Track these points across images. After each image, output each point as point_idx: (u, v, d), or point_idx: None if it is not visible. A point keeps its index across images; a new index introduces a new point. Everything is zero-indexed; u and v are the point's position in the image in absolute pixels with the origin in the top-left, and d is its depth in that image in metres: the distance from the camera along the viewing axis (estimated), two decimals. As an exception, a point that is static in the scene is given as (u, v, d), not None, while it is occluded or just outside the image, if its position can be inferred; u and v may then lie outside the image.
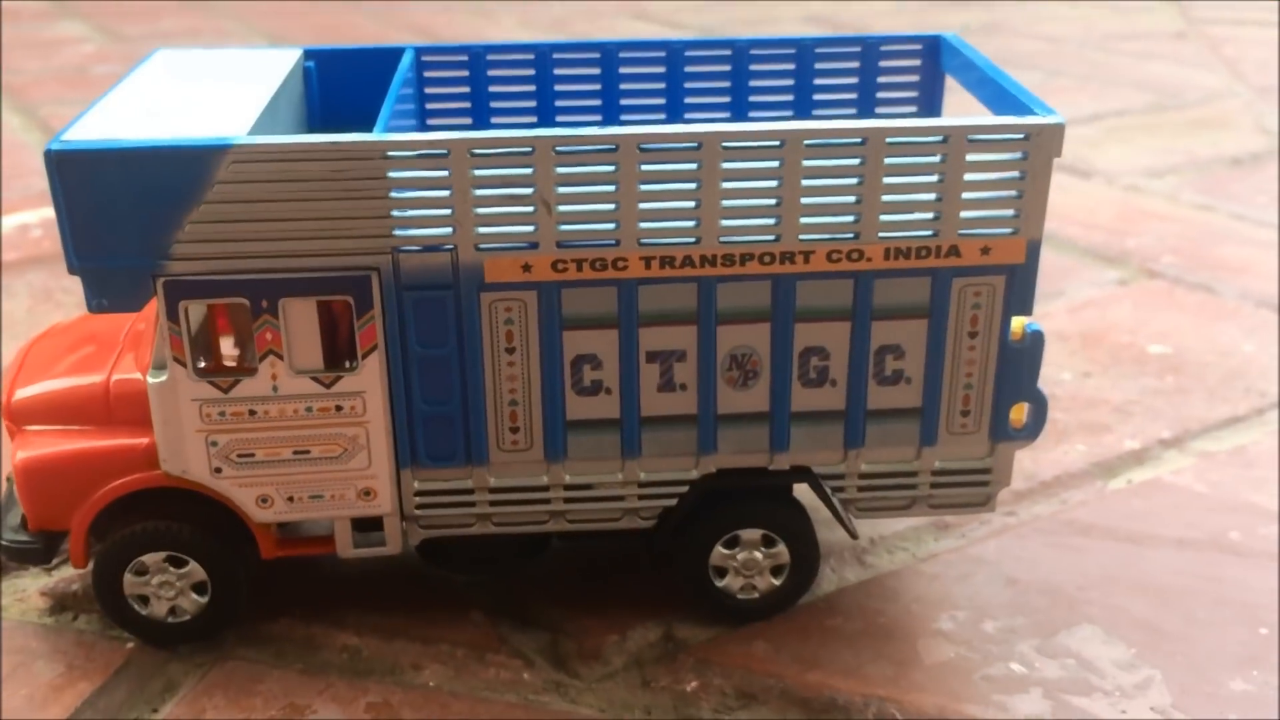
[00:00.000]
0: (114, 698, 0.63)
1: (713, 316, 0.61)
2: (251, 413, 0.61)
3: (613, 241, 0.59)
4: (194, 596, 0.65)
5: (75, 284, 1.13)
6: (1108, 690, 0.64)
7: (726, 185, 0.58)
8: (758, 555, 0.67)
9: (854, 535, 0.67)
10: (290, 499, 0.63)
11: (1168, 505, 0.80)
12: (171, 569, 0.65)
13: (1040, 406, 0.65)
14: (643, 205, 0.59)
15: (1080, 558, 0.74)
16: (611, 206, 0.59)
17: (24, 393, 0.66)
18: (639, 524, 0.66)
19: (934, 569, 0.74)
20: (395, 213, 0.58)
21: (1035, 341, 0.63)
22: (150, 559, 0.65)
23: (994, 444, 0.65)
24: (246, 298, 0.59)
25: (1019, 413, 0.65)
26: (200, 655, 0.67)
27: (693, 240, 0.59)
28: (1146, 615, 0.69)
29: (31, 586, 0.72)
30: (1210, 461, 0.84)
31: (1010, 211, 0.59)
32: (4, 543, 0.66)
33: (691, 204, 0.59)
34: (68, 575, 0.73)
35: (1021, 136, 0.58)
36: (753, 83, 0.77)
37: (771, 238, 0.60)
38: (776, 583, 0.68)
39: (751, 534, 0.67)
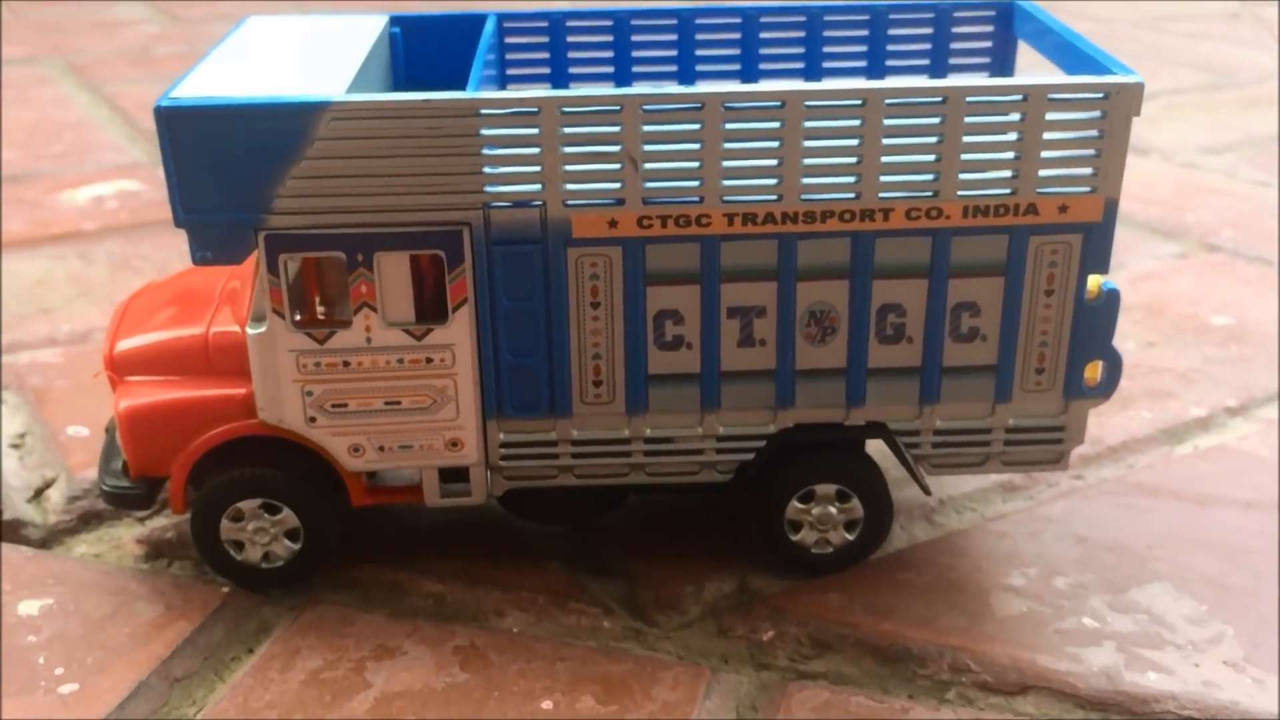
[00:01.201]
0: (212, 636, 0.66)
1: (792, 273, 0.63)
2: (345, 364, 0.63)
3: (697, 199, 0.61)
4: (286, 543, 0.68)
5: (153, 251, 1.16)
6: (1179, 644, 0.65)
7: (808, 144, 0.60)
8: (832, 510, 0.69)
9: (927, 491, 0.69)
10: (381, 448, 0.65)
11: (1234, 469, 0.80)
12: (266, 515, 0.67)
13: (1115, 364, 0.66)
14: (726, 163, 0.60)
15: (1148, 518, 0.75)
16: (696, 164, 0.60)
17: (125, 344, 0.69)
18: (716, 478, 0.68)
19: (1002, 528, 0.75)
20: (487, 169, 0.60)
21: (1111, 300, 0.64)
22: (246, 505, 0.67)
23: (1068, 401, 0.66)
24: (343, 251, 0.61)
25: (1093, 370, 0.66)
26: (292, 599, 0.69)
27: (774, 198, 0.61)
28: (1215, 573, 0.70)
29: (126, 534, 0.74)
30: (1275, 428, 0.85)
31: (1088, 170, 0.60)
32: (106, 488, 0.68)
33: (774, 161, 0.60)
34: (161, 524, 0.75)
35: (1101, 96, 0.59)
36: (827, 49, 0.78)
37: (852, 195, 0.61)
38: (850, 537, 0.70)
39: (826, 489, 0.68)
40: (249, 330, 0.63)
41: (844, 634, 0.67)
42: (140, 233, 1.21)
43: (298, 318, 0.63)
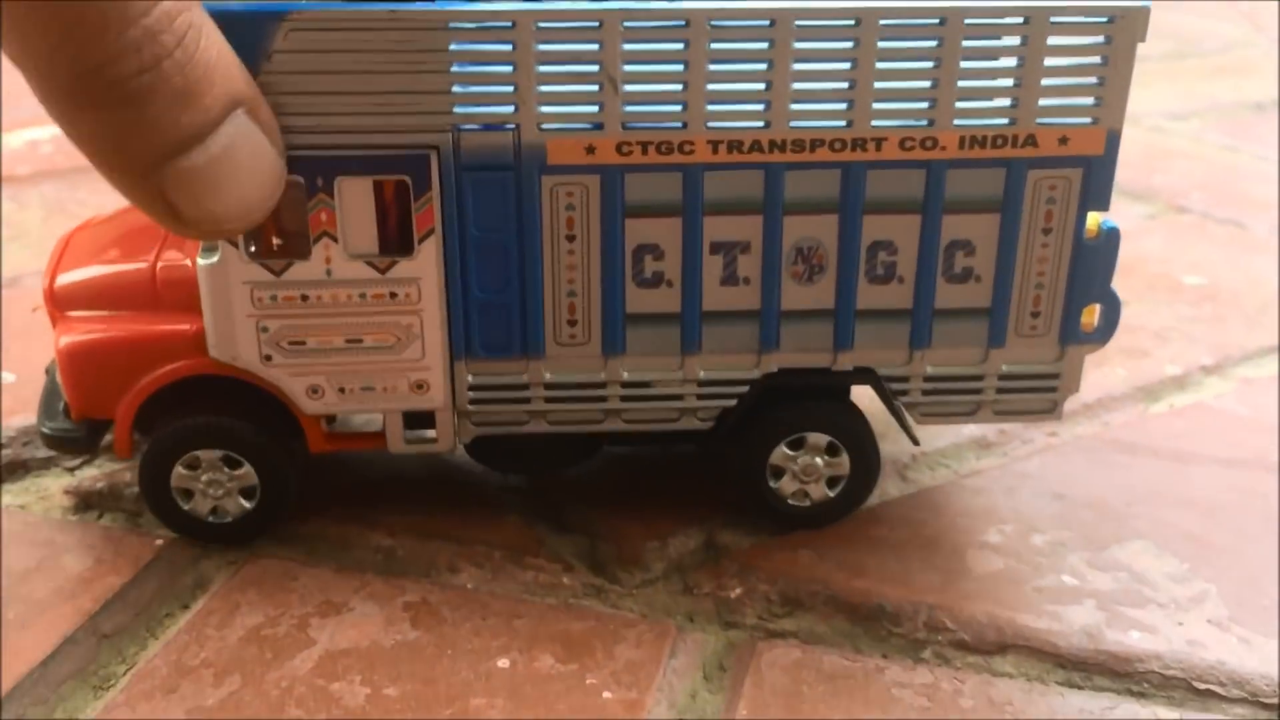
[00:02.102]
0: (144, 591, 0.62)
1: (779, 206, 0.59)
2: (304, 298, 0.59)
3: (680, 124, 0.57)
4: (240, 500, 0.64)
5: (89, 195, 1.11)
6: (1162, 602, 0.63)
7: (798, 66, 0.56)
8: (818, 461, 0.65)
9: (915, 441, 0.66)
10: (341, 390, 0.61)
11: (1211, 427, 0.78)
12: (225, 469, 0.63)
13: (1113, 307, 0.63)
14: (711, 86, 0.56)
15: (1126, 475, 0.73)
16: (679, 87, 0.56)
17: (66, 278, 0.64)
18: (696, 425, 0.64)
19: (978, 484, 0.72)
20: (456, 88, 0.56)
21: (1111, 239, 0.61)
22: (206, 455, 0.62)
23: (1064, 348, 0.63)
24: (302, 175, 0.56)
25: (1090, 315, 0.63)
26: (231, 553, 0.65)
27: (762, 124, 0.57)
28: (1196, 530, 0.68)
29: (54, 485, 0.70)
30: (1251, 386, 0.83)
31: (1090, 100, 0.57)
32: (46, 432, 0.64)
33: (762, 85, 0.57)
34: (91, 474, 0.71)
35: (1105, 20, 0.56)
36: None
37: (843, 123, 0.57)
38: (830, 494, 0.67)
39: (818, 439, 0.65)
40: (200, 261, 0.58)
41: (815, 591, 0.64)
42: (77, 176, 1.15)
43: (252, 248, 0.58)
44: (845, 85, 0.57)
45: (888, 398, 0.64)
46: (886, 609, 0.62)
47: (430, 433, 0.63)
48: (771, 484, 0.66)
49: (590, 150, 0.57)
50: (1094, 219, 0.61)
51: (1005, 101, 0.58)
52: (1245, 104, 1.49)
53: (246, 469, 0.63)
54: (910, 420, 0.65)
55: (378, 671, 0.57)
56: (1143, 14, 0.56)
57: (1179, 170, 1.26)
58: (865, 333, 0.62)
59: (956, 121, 0.58)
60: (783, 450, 0.65)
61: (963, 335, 0.62)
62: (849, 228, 0.60)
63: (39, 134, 1.27)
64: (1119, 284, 1.00)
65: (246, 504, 0.64)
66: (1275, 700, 0.57)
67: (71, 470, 0.71)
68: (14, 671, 0.56)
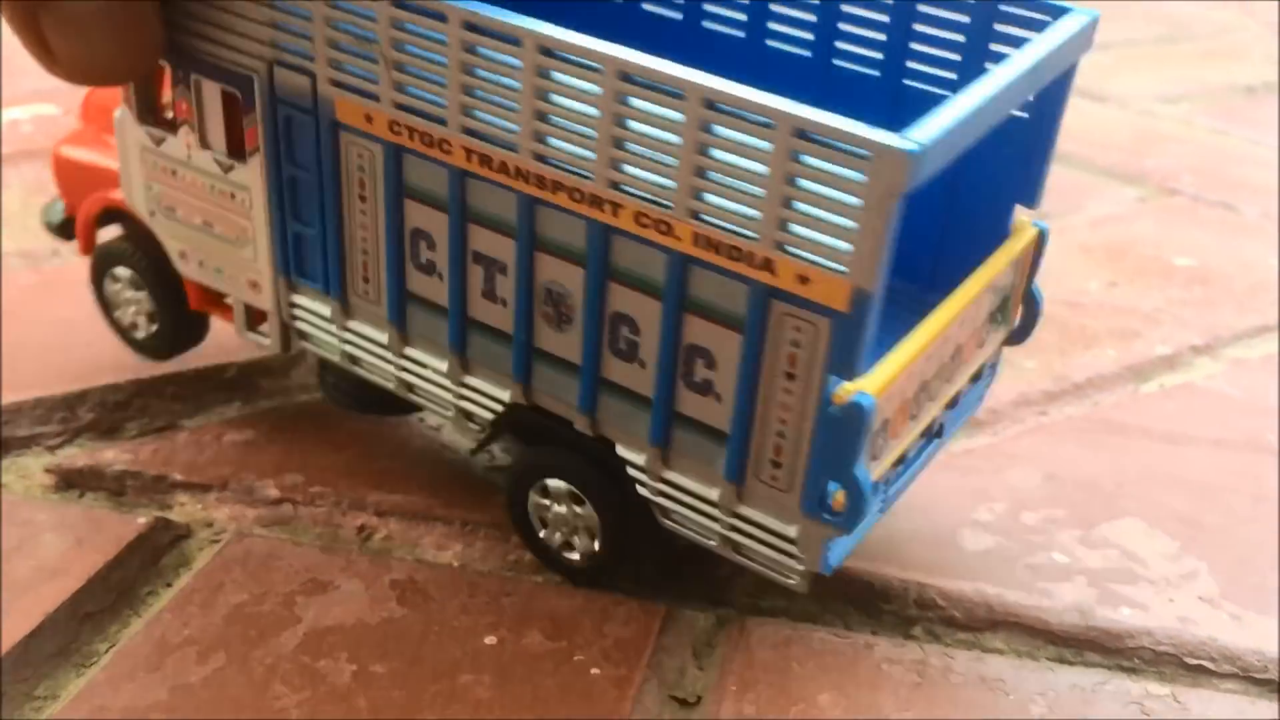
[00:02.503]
0: (127, 571, 0.61)
1: (530, 238, 0.55)
2: (173, 172, 0.65)
3: (441, 119, 0.55)
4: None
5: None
6: (1153, 580, 0.62)
7: (548, 99, 0.51)
8: (563, 510, 0.61)
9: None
10: (200, 263, 0.67)
11: (1202, 408, 0.78)
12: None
13: (857, 496, 0.51)
14: (469, 91, 0.53)
15: (1116, 455, 0.73)
16: (440, 81, 0.54)
17: (100, 95, 0.74)
18: (470, 427, 0.62)
19: (969, 463, 0.72)
20: (278, 24, 0.58)
21: (853, 414, 0.49)
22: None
23: (804, 517, 0.53)
24: (171, 63, 0.62)
25: (840, 495, 0.53)
26: (214, 532, 0.64)
27: (511, 148, 0.53)
28: (1187, 510, 0.68)
29: (35, 464, 0.69)
30: (1242, 368, 0.83)
31: (838, 242, 0.47)
32: (47, 222, 0.77)
33: (514, 105, 0.52)
34: (72, 453, 0.70)
35: (863, 154, 0.45)
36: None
37: (587, 174, 0.52)
38: (595, 547, 0.61)
39: (558, 485, 0.60)
40: (115, 113, 0.66)
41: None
42: (58, 158, 1.14)
43: (138, 112, 0.65)
44: (591, 133, 0.51)
45: (622, 480, 0.58)
46: (876, 586, 0.62)
47: (264, 331, 0.68)
48: (540, 533, 0.62)
49: (369, 119, 0.57)
50: (847, 387, 0.50)
51: (750, 212, 0.49)
52: (1236, 88, 1.49)
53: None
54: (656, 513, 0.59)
55: (364, 649, 0.57)
56: (901, 161, 0.44)
57: (1170, 153, 1.25)
58: (608, 404, 0.57)
59: (693, 212, 0.50)
60: (535, 497, 0.61)
61: (702, 453, 0.55)
62: (593, 288, 0.55)
63: (19, 113, 1.26)
64: (1111, 266, 1.00)
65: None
66: (1266, 675, 0.57)
67: (52, 450, 0.70)
68: (-6, 650, 0.55)
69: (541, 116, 0.52)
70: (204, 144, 0.63)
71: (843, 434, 0.50)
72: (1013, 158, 0.59)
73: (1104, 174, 1.20)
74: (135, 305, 0.72)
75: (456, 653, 0.57)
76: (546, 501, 0.61)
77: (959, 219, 0.62)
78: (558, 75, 0.51)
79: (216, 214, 0.65)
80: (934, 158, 0.44)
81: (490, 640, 0.58)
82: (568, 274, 0.55)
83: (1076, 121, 1.36)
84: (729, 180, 0.49)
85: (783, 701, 0.55)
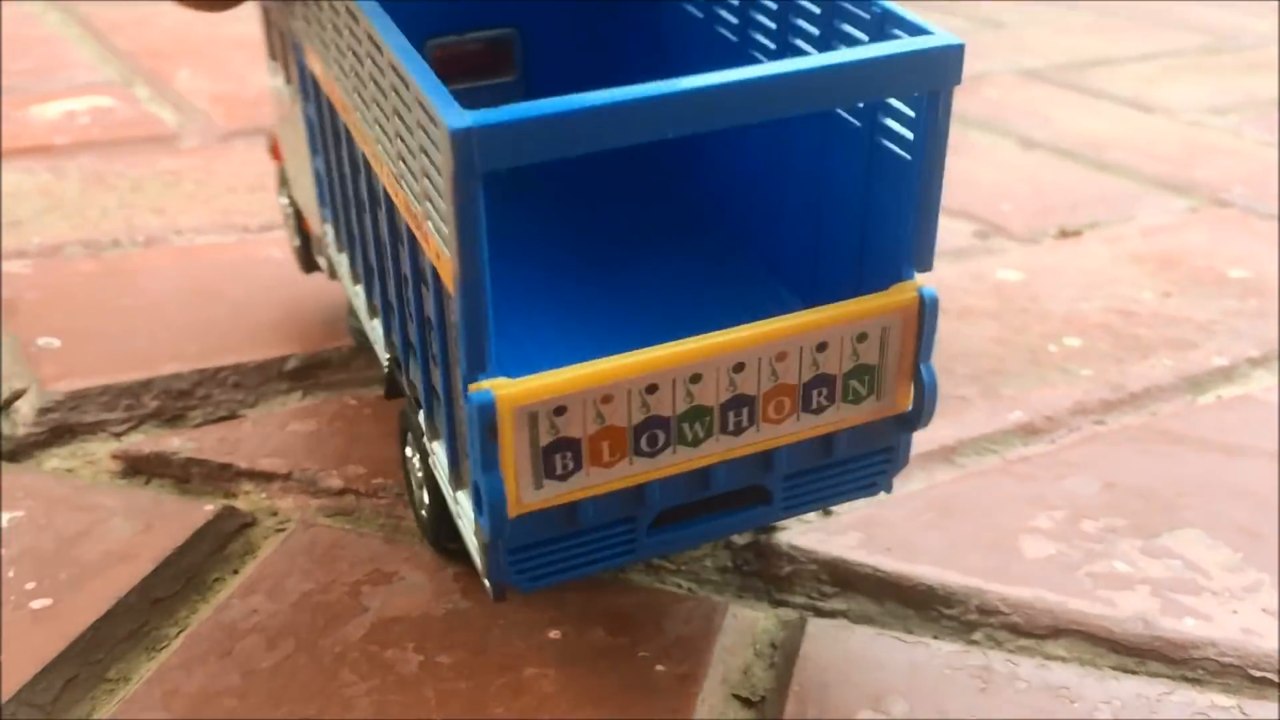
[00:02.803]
0: (195, 557, 0.62)
1: (357, 182, 0.62)
2: (280, 106, 0.76)
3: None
4: None
5: (127, 168, 1.11)
6: (1216, 591, 0.62)
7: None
8: (415, 461, 0.62)
9: None
10: (297, 192, 0.77)
11: (1260, 420, 0.78)
12: None
13: (487, 506, 0.49)
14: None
15: (1175, 465, 0.73)
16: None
17: None
18: (381, 353, 0.65)
19: (1026, 470, 0.72)
20: None
21: (474, 414, 0.47)
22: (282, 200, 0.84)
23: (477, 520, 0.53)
24: None
25: None
26: (279, 521, 0.65)
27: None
28: (1247, 521, 0.68)
29: (101, 450, 0.70)
30: (1299, 380, 0.83)
31: (440, 223, 0.47)
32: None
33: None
34: (137, 440, 0.71)
35: (440, 129, 0.43)
36: None
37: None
38: (425, 499, 0.61)
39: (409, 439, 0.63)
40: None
41: (864, 573, 0.63)
42: (114, 149, 1.15)
43: (269, 50, 0.75)
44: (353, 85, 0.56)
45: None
46: (937, 591, 0.62)
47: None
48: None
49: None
50: (480, 384, 0.48)
51: (411, 183, 0.50)
52: (1283, 100, 1.48)
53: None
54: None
55: (430, 640, 0.57)
56: (457, 139, 0.43)
57: (1219, 164, 1.25)
58: (411, 364, 0.58)
59: (399, 180, 0.51)
60: (404, 453, 0.62)
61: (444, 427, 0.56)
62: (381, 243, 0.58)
63: (75, 105, 1.27)
64: (1164, 276, 0.99)
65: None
66: (1332, 690, 0.57)
67: (118, 436, 0.71)
68: (67, 633, 0.56)
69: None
70: (287, 78, 0.71)
71: (471, 431, 0.48)
72: (897, 203, 0.53)
73: (1153, 183, 1.20)
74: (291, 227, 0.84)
75: (520, 646, 0.57)
76: (409, 453, 0.62)
77: (830, 248, 0.60)
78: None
79: (295, 145, 0.74)
80: (506, 142, 0.42)
81: (554, 635, 0.58)
82: (373, 225, 0.59)
83: (1124, 131, 1.36)
84: (400, 141, 0.49)
85: (848, 704, 0.55)
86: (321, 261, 0.77)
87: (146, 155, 1.14)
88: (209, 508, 0.65)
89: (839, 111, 0.56)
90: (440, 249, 0.47)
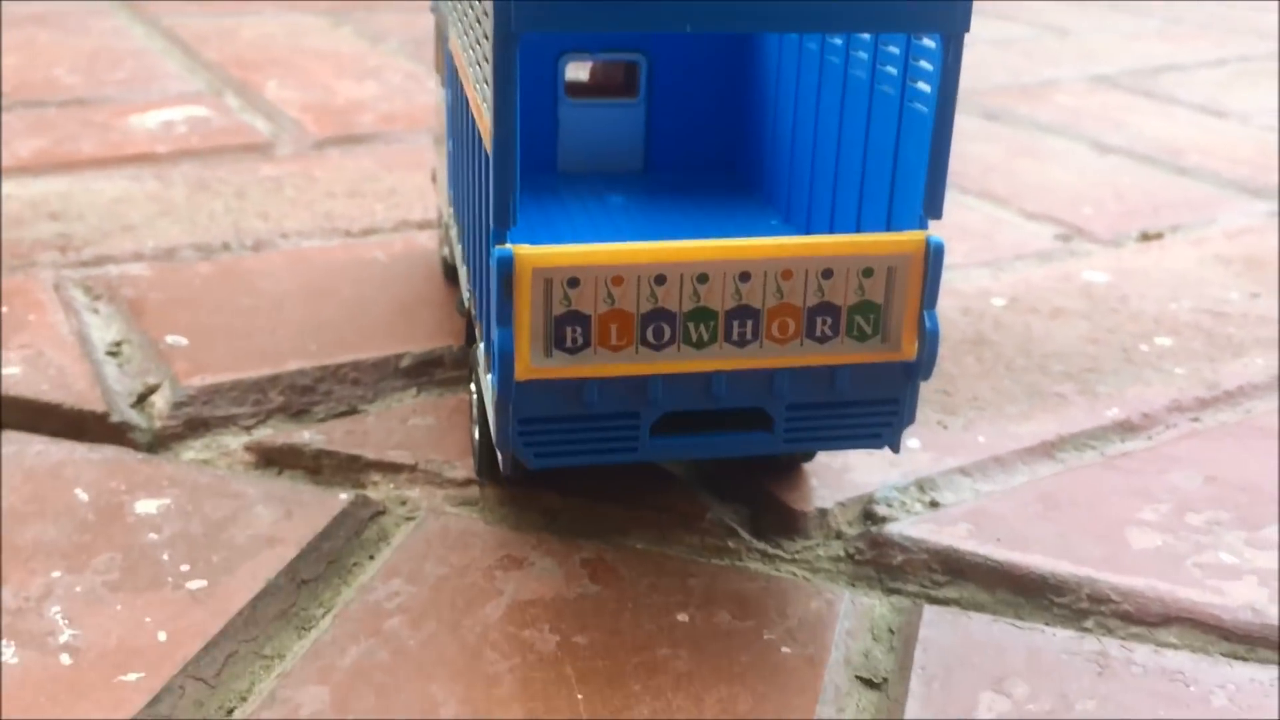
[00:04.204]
0: (335, 542, 0.65)
1: (466, 128, 0.68)
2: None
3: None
4: None
5: (229, 175, 1.15)
6: (1323, 580, 0.64)
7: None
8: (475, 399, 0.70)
9: None
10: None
11: (1355, 417, 0.79)
12: None
13: (496, 359, 0.55)
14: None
15: (1275, 460, 0.74)
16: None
17: None
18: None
19: (1129, 465, 0.73)
20: None
21: (494, 267, 0.54)
22: None
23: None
24: None
25: None
26: (409, 509, 0.68)
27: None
28: (1350, 515, 0.69)
29: (234, 443, 0.73)
30: (1392, 379, 0.84)
31: (483, 86, 0.58)
32: None
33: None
34: (268, 433, 0.74)
35: None
36: None
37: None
38: (476, 435, 0.69)
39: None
40: None
41: (975, 562, 0.65)
42: (214, 157, 1.19)
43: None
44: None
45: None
46: (1049, 580, 0.64)
47: None
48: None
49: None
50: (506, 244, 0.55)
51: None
52: (1357, 105, 1.48)
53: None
54: None
55: (565, 621, 0.60)
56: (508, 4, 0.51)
57: (1297, 168, 1.26)
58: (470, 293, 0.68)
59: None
60: (469, 392, 0.73)
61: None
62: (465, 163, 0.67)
63: (173, 114, 1.32)
64: (1250, 277, 1.00)
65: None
66: None
67: (248, 429, 0.74)
68: (227, 610, 0.59)
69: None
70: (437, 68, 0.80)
71: (490, 287, 0.54)
72: (919, 156, 0.56)
73: (1232, 187, 1.21)
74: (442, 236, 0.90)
75: (652, 628, 0.60)
76: (471, 388, 0.67)
77: (848, 182, 0.65)
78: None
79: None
80: (537, 11, 0.49)
81: (682, 618, 0.60)
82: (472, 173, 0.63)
83: (1200, 136, 1.37)
84: (476, 47, 0.57)
85: (970, 686, 0.57)
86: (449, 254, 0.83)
87: (246, 163, 1.18)
88: (343, 496, 0.68)
89: (869, 77, 0.62)
90: (485, 114, 0.53)
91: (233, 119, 1.31)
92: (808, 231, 0.72)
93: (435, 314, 0.87)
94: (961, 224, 1.09)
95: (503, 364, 0.54)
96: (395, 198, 1.11)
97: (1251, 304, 0.94)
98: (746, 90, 0.81)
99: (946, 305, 0.93)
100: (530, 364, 0.54)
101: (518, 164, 0.52)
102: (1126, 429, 0.77)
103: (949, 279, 0.98)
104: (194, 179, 1.13)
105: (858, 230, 0.64)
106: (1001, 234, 1.08)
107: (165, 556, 0.63)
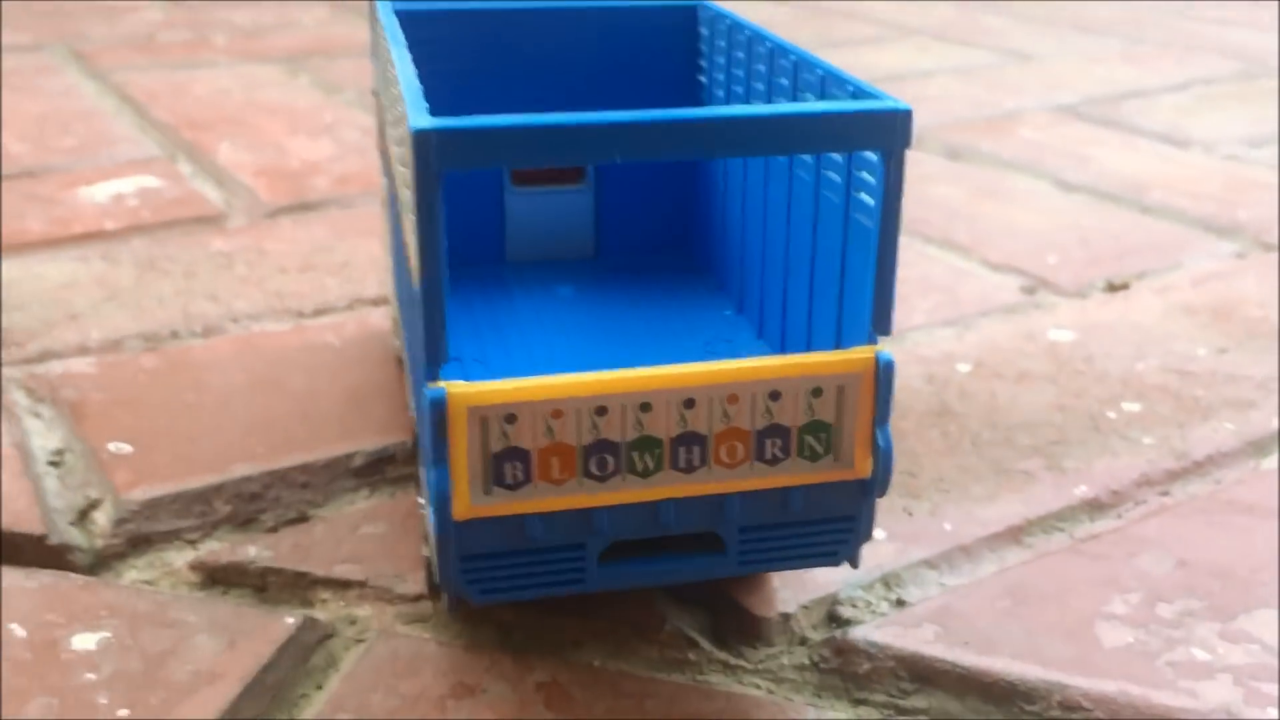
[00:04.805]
0: (279, 672, 0.62)
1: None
2: None
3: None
4: None
5: (179, 251, 1.12)
6: (1297, 676, 0.62)
7: None
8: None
9: None
10: None
11: (1327, 485, 0.78)
12: None
13: (433, 500, 0.54)
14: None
15: (1247, 538, 0.72)
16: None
17: None
18: None
19: (1097, 549, 0.72)
20: None
21: (425, 411, 0.53)
22: None
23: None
24: None
25: None
26: (358, 630, 0.65)
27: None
28: (1324, 599, 0.67)
29: (179, 559, 0.71)
30: (1363, 440, 0.82)
31: None
32: None
33: None
34: (214, 548, 0.71)
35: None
36: None
37: None
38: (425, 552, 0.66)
39: None
40: None
41: (944, 669, 0.63)
42: (164, 232, 1.16)
43: None
44: None
45: None
46: (1018, 686, 0.62)
47: None
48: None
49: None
50: (437, 382, 0.53)
51: None
52: (1322, 129, 1.47)
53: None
54: None
55: (518, 758, 0.58)
56: (423, 139, 0.48)
57: (1263, 202, 1.24)
58: None
59: None
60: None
61: None
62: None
63: (123, 185, 1.29)
64: (1218, 329, 0.99)
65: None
66: None
67: (193, 544, 0.72)
68: (164, 762, 0.57)
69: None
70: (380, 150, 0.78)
71: (425, 427, 0.52)
72: (865, 270, 0.55)
73: (1197, 226, 1.20)
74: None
75: (609, 759, 0.58)
76: (421, 501, 0.64)
77: (799, 277, 0.64)
78: None
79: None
80: (455, 147, 0.46)
81: (640, 746, 0.58)
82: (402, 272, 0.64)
83: (1163, 169, 1.35)
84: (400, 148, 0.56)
85: (936, 810, 0.55)
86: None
87: (197, 237, 1.15)
88: (289, 620, 0.66)
89: (814, 180, 0.61)
90: (411, 247, 0.50)
91: (184, 188, 1.29)
92: (760, 326, 0.70)
93: (388, 405, 0.85)
94: (925, 277, 1.08)
95: (439, 504, 0.52)
96: (348, 270, 1.09)
97: (1219, 361, 0.92)
98: (695, 173, 0.79)
99: (911, 373, 0.91)
100: (469, 503, 0.52)
101: (445, 301, 0.50)
102: (1095, 508, 0.75)
103: (914, 341, 0.96)
104: (143, 257, 1.10)
105: (808, 336, 0.63)
106: (965, 287, 1.06)
107: (103, 700, 0.60)
